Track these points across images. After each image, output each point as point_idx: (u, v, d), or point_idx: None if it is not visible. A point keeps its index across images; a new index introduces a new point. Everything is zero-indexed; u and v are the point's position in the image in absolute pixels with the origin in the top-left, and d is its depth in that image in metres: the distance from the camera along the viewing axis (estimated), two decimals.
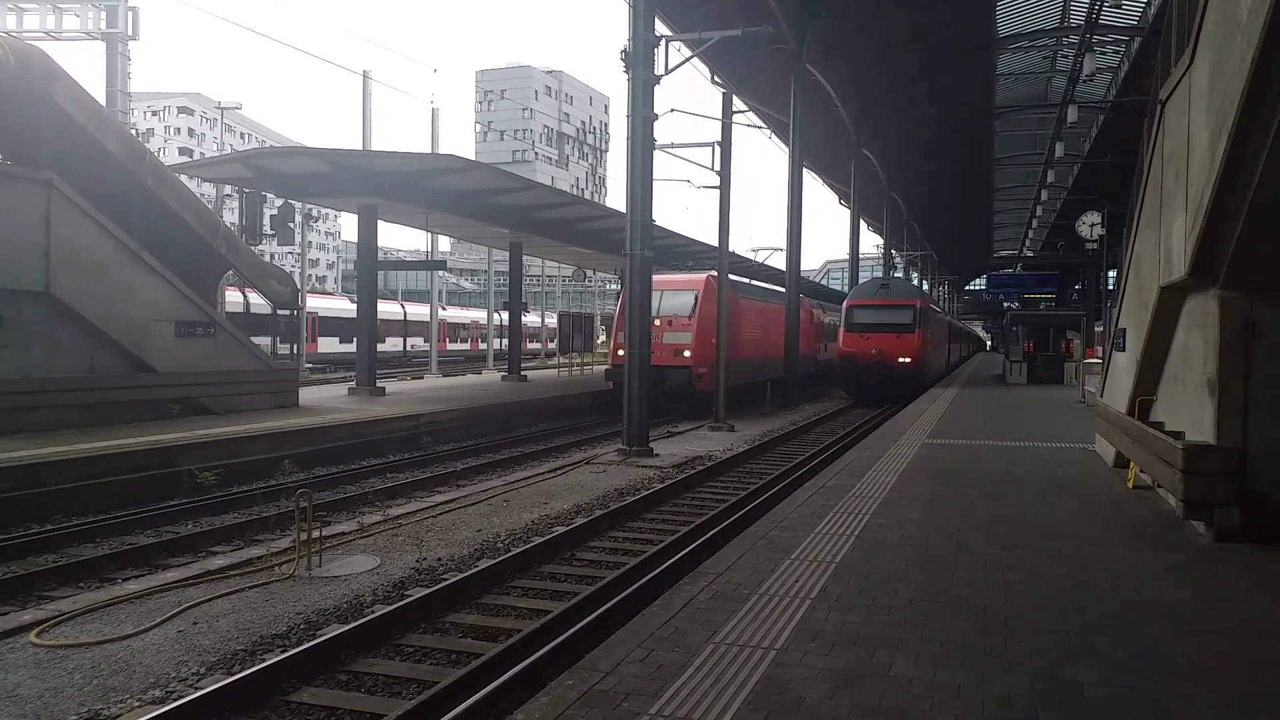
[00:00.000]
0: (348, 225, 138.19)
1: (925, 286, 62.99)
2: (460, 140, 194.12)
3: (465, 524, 11.01)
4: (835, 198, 51.75)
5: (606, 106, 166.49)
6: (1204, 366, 7.69)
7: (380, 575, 8.69)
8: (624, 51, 16.58)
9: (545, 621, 7.14)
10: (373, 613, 7.41)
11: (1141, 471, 9.58)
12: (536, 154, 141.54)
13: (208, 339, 16.55)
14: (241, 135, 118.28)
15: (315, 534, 9.08)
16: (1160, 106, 9.00)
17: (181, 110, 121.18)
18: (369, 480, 14.13)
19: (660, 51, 17.06)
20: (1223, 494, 7.24)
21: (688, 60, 17.95)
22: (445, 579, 8.43)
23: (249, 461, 13.79)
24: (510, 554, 9.19)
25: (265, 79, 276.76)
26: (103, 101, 18.56)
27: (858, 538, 7.51)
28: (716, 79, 28.25)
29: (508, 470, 15.44)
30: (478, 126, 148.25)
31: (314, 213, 37.30)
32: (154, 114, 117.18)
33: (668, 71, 17.20)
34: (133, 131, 19.75)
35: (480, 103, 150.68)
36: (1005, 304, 49.03)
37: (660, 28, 21.75)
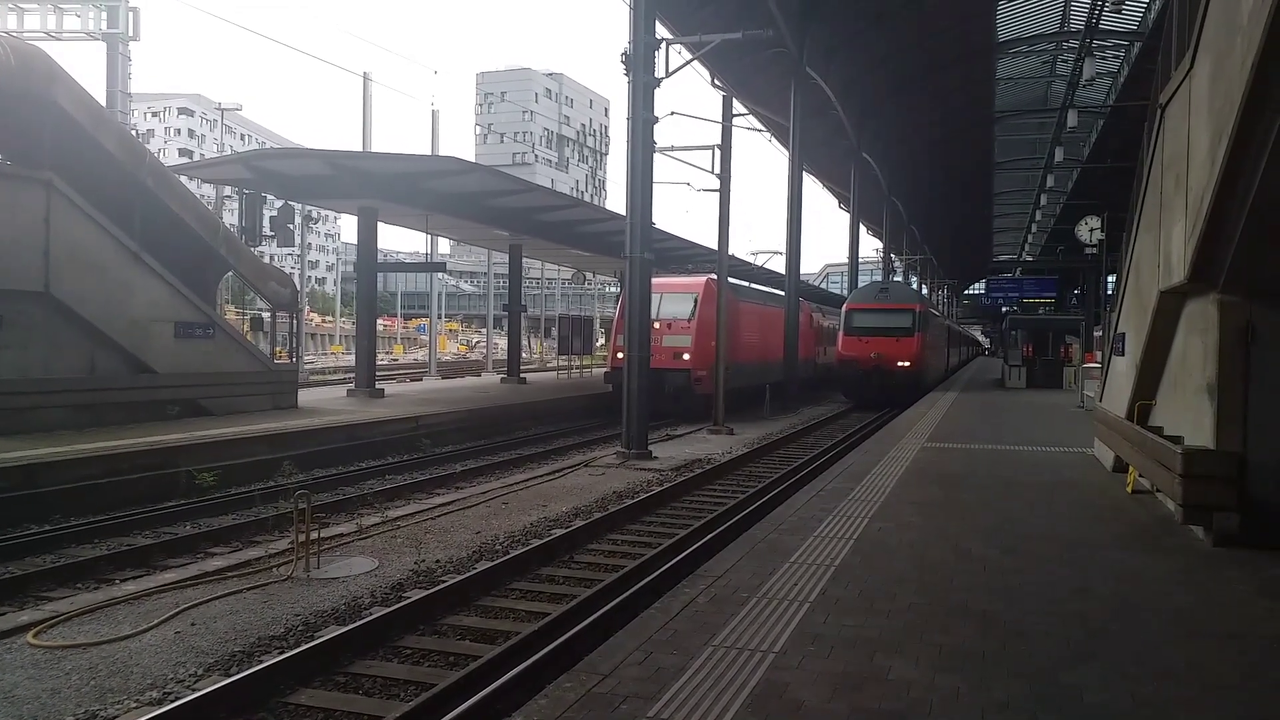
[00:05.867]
0: (347, 227, 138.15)
1: (924, 291, 63.00)
2: (460, 142, 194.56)
3: (464, 526, 11.00)
4: (835, 201, 51.78)
5: (607, 109, 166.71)
6: (1203, 371, 7.69)
7: (378, 577, 8.68)
8: (624, 54, 16.59)
9: (543, 624, 7.13)
10: (371, 614, 7.41)
11: (1140, 476, 9.58)
12: (537, 156, 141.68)
13: (207, 340, 16.55)
14: (241, 136, 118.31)
15: (314, 536, 9.09)
16: (1160, 111, 9.00)
17: (182, 111, 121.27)
18: (368, 482, 14.12)
19: (660, 54, 17.08)
20: (1222, 499, 7.23)
21: (688, 63, 17.97)
22: (444, 581, 8.42)
23: (248, 463, 13.77)
24: (508, 556, 9.18)
25: (265, 80, 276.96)
26: (103, 102, 18.57)
27: (857, 541, 7.50)
28: (716, 82, 28.25)
29: (506, 473, 15.42)
30: (478, 128, 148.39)
31: (313, 214, 37.27)
32: (154, 115, 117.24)
33: (668, 74, 17.21)
34: (133, 132, 19.74)
35: (480, 105, 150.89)
36: (1004, 308, 48.95)
37: (661, 31, 21.71)
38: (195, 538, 10.24)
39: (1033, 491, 10.20)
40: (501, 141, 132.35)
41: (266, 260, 22.77)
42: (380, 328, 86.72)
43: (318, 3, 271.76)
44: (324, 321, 77.17)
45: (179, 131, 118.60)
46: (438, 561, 9.24)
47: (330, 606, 7.69)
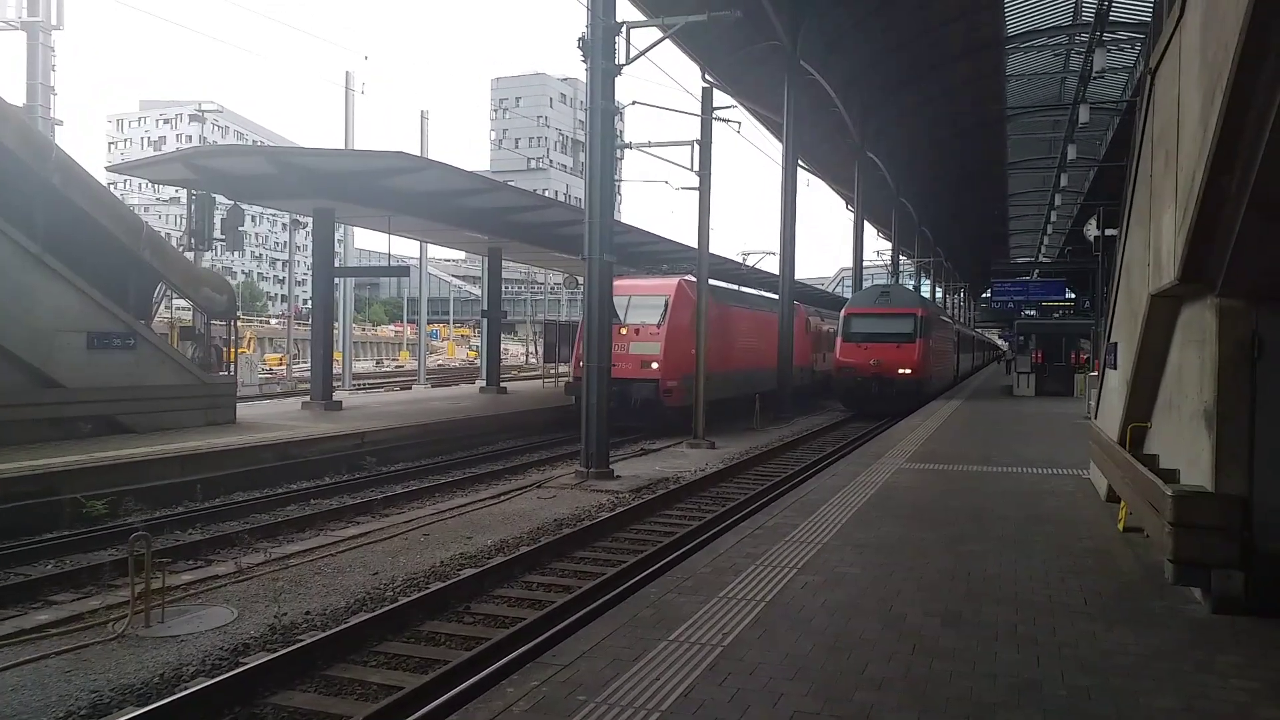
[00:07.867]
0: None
1: (939, 294, 61.26)
2: (476, 148, 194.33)
3: (364, 564, 9.75)
4: (843, 203, 50.25)
5: (621, 114, 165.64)
6: (1200, 392, 6.18)
7: (227, 634, 7.45)
8: (581, 39, 15.28)
9: (385, 704, 5.85)
10: (186, 689, 6.13)
11: (1131, 513, 8.09)
12: (551, 161, 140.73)
13: (127, 351, 15.22)
14: (251, 143, 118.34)
15: (160, 585, 7.84)
16: (1150, 78, 7.54)
17: (193, 118, 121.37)
18: (286, 508, 12.80)
19: (622, 40, 15.76)
20: (1222, 554, 5.76)
21: (654, 46, 16.54)
22: (299, 640, 7.13)
23: (152, 487, 12.48)
24: (384, 609, 7.87)
25: (269, 86, 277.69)
26: (23, 96, 17.45)
27: (767, 605, 6.06)
28: (707, 76, 26.93)
29: (447, 495, 14.11)
30: (493, 134, 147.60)
31: (300, 220, 36.21)
32: (166, 122, 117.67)
33: (629, 60, 15.88)
34: (47, 127, 18.38)
35: (495, 110, 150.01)
36: (1024, 312, 47.06)
37: (633, 13, 20.43)
38: (42, 582, 8.90)
39: (1007, 528, 8.71)
40: (516, 147, 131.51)
41: (224, 266, 21.55)
42: (392, 333, 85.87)
43: (321, 7, 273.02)
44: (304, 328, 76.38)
45: (190, 138, 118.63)
46: (307, 613, 7.97)
47: (142, 679, 6.45)
